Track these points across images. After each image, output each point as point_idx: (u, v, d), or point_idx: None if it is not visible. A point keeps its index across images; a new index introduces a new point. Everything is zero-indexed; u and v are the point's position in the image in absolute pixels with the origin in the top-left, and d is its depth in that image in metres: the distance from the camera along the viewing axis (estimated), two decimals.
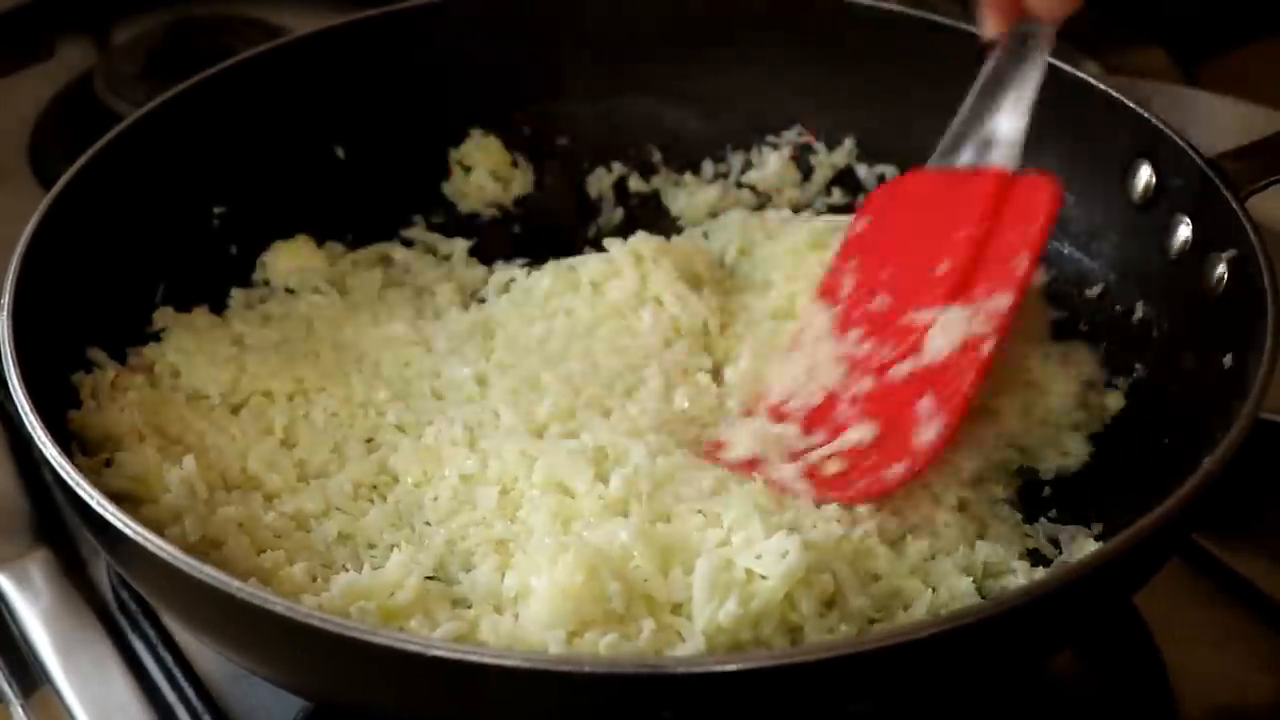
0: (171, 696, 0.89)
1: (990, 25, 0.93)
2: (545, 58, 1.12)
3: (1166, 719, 0.88)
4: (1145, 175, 0.97)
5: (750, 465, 0.90)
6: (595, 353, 0.97)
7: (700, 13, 1.11)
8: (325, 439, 0.94)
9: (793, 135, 1.11)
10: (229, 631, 0.77)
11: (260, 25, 1.33)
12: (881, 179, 1.10)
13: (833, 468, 0.88)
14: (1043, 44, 0.93)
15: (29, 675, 0.91)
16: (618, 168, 1.13)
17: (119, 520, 0.75)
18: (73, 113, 1.30)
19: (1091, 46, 1.09)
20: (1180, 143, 0.94)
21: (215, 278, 1.04)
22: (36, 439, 0.80)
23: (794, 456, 0.90)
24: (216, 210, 1.05)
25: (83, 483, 0.77)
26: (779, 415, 0.93)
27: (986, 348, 0.89)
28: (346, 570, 0.84)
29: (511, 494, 0.88)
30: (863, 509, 0.86)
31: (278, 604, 0.71)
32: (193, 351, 0.97)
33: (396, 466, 0.92)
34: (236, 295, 1.03)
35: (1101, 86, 1.00)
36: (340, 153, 1.10)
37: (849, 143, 1.11)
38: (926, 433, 0.88)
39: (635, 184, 1.13)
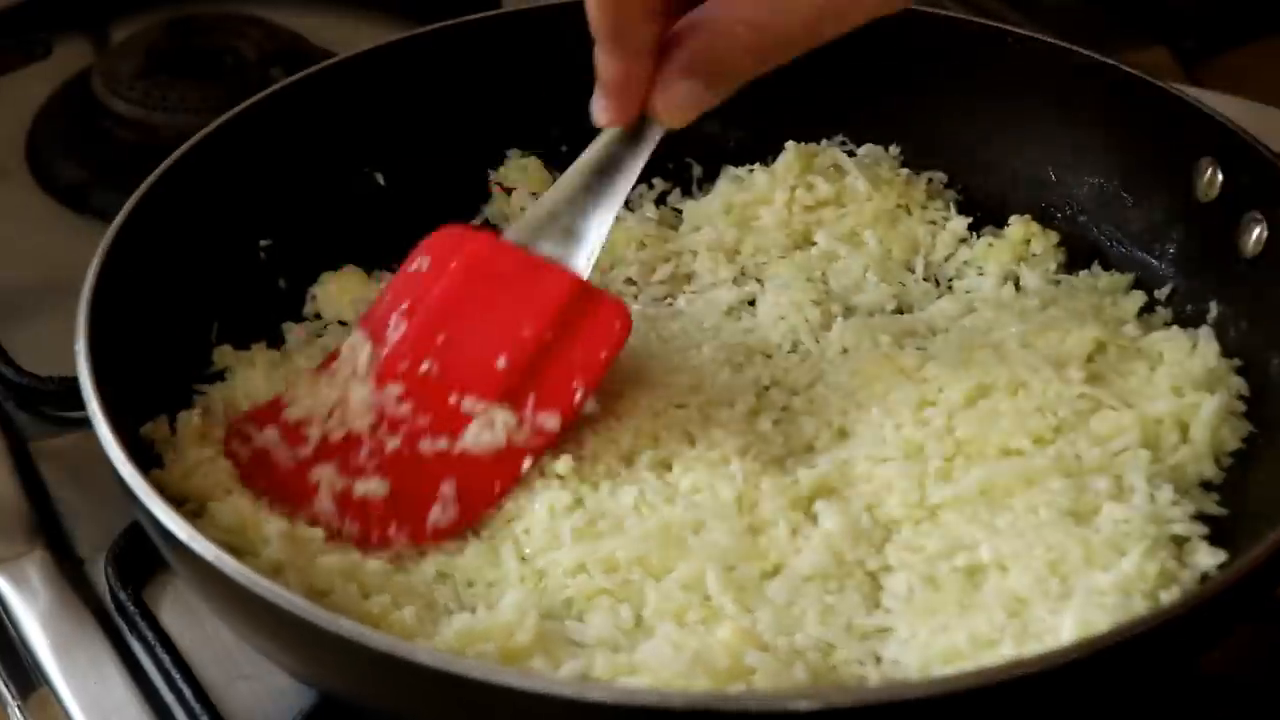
0: (169, 697, 0.88)
1: (607, 114, 0.87)
2: (581, 74, 1.11)
3: None
4: (1209, 173, 0.96)
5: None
6: (654, 370, 0.95)
7: None
8: None
9: (834, 145, 1.10)
10: (366, 684, 0.76)
11: (260, 25, 1.33)
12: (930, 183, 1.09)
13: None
14: (649, 147, 0.90)
15: (26, 676, 0.91)
16: (659, 183, 1.12)
17: (273, 593, 0.74)
18: (70, 112, 1.29)
19: (1094, 45, 1.09)
20: (1248, 139, 0.94)
21: (268, 313, 1.02)
22: (146, 503, 0.78)
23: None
24: (263, 243, 1.03)
25: (227, 559, 0.75)
26: (293, 434, 0.90)
27: (525, 464, 0.88)
28: (451, 611, 0.83)
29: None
30: None
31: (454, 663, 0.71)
32: (261, 392, 0.95)
33: None
34: (292, 329, 1.02)
35: (1160, 84, 0.99)
36: (380, 179, 1.09)
37: (895, 149, 1.10)
38: (437, 515, 0.87)
39: (675, 199, 1.12)
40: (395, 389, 0.90)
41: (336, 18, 1.37)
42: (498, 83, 1.11)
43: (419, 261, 0.94)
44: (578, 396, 0.89)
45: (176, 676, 0.88)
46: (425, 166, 1.10)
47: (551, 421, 0.89)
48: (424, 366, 0.90)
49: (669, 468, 0.89)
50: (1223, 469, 0.90)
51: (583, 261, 0.91)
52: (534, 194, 1.10)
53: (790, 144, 1.08)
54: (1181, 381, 0.92)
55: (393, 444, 0.89)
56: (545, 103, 1.11)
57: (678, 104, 0.85)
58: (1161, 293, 1.00)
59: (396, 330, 0.92)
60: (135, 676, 0.90)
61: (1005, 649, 0.79)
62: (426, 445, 0.89)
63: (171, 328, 0.96)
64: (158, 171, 0.97)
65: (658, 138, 0.89)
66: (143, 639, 0.91)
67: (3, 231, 1.20)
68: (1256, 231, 0.94)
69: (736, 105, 1.10)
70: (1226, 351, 0.94)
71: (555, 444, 0.89)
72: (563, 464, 0.89)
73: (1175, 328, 0.97)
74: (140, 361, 0.91)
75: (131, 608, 0.92)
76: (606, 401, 0.93)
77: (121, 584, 0.93)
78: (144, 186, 0.96)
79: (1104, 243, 1.04)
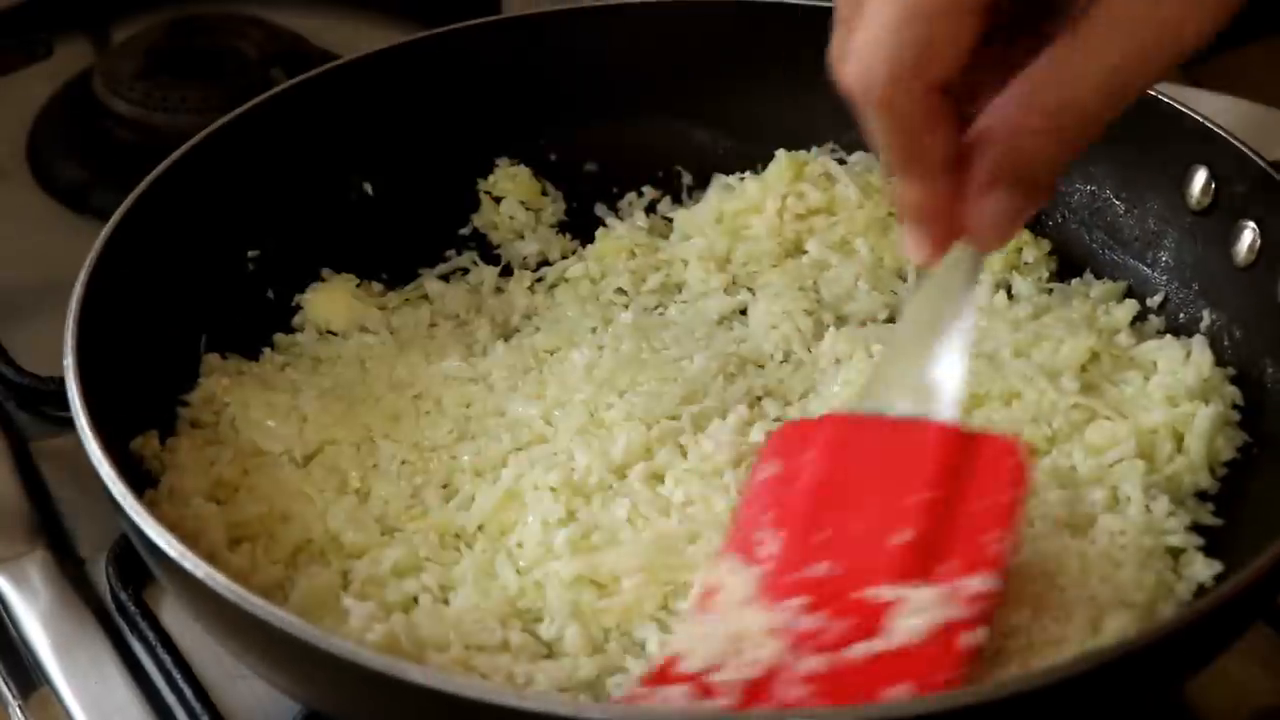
0: (170, 697, 0.89)
1: (923, 250, 0.78)
2: (569, 83, 1.11)
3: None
4: (1202, 180, 0.97)
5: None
6: (648, 381, 0.95)
7: (728, 32, 1.10)
8: (403, 487, 0.91)
9: (825, 153, 1.10)
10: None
11: (261, 26, 1.32)
12: None
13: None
14: (976, 273, 0.81)
15: (27, 676, 0.91)
16: (649, 192, 1.12)
17: (264, 611, 0.73)
18: (71, 112, 1.29)
19: None
20: (1240, 147, 0.94)
21: (257, 324, 1.02)
22: (150, 533, 0.77)
23: None
24: (251, 254, 1.03)
25: (217, 577, 0.75)
26: (704, 689, 0.77)
27: (969, 638, 0.76)
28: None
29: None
30: None
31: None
32: (249, 404, 0.94)
33: (478, 512, 0.89)
34: (281, 340, 1.01)
35: (1153, 92, 0.98)
36: (369, 189, 1.09)
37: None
38: None
39: (666, 208, 1.12)
40: (795, 603, 0.79)
41: (338, 19, 1.37)
42: (484, 91, 1.11)
43: (769, 467, 0.85)
44: (997, 548, 0.79)
45: (177, 676, 0.89)
46: (413, 176, 1.10)
47: (983, 583, 0.77)
48: (816, 569, 0.80)
49: (661, 480, 0.90)
50: (1218, 479, 0.91)
51: (950, 409, 0.82)
52: (523, 203, 1.10)
53: (781, 152, 1.08)
54: (1175, 391, 0.93)
55: (814, 664, 0.77)
56: (532, 110, 1.11)
57: (993, 220, 0.75)
58: (1154, 301, 1.01)
59: (770, 546, 0.82)
60: (136, 676, 0.90)
61: (1002, 663, 0.80)
62: (855, 651, 0.77)
63: (160, 337, 0.96)
64: (147, 180, 0.97)
65: (983, 263, 0.82)
66: (143, 639, 0.91)
67: (3, 231, 1.21)
68: (1249, 240, 0.94)
69: (727, 114, 1.12)
70: (1220, 360, 0.95)
71: (999, 605, 0.79)
72: (554, 476, 0.89)
73: (1168, 337, 0.98)
74: (129, 372, 0.91)
75: (132, 608, 0.92)
76: (597, 414, 0.93)
77: (122, 584, 0.93)
78: (133, 195, 0.95)
79: (1096, 251, 1.04)
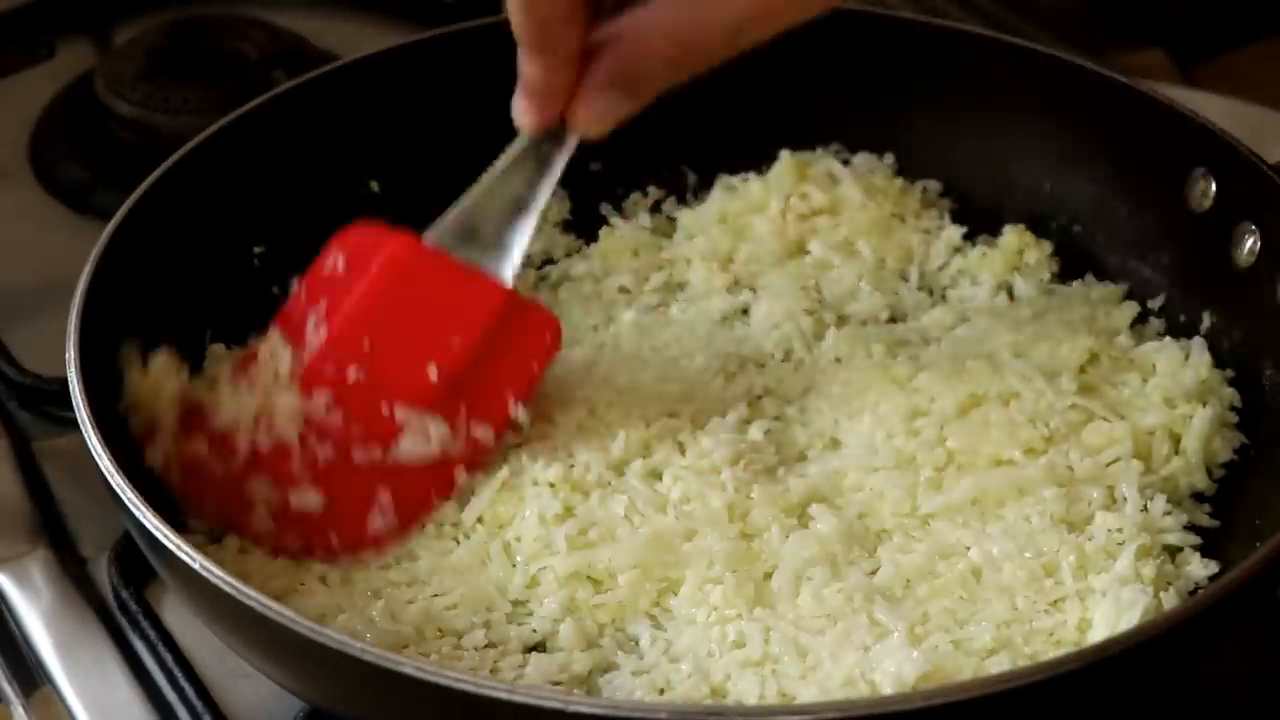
0: (172, 696, 0.89)
1: (528, 117, 0.87)
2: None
3: None
4: (1205, 184, 0.97)
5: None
6: (646, 379, 0.96)
7: None
8: None
9: (829, 154, 1.10)
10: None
11: (263, 27, 1.32)
12: (924, 193, 1.09)
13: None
14: (566, 153, 0.89)
15: (29, 675, 0.91)
16: (654, 191, 1.12)
17: (264, 605, 0.74)
18: (73, 113, 1.29)
19: (1091, 47, 1.09)
20: (1241, 150, 0.94)
21: (259, 323, 0.99)
22: (163, 538, 0.78)
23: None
24: (257, 250, 1.03)
25: (216, 570, 0.75)
26: (218, 443, 0.88)
27: (460, 477, 0.88)
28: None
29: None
30: None
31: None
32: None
33: (477, 506, 0.89)
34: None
35: (1154, 94, 0.99)
36: (375, 186, 1.09)
37: (889, 159, 1.10)
38: (376, 523, 0.86)
39: (670, 207, 1.12)
40: (324, 396, 0.88)
41: (339, 20, 1.37)
42: (500, 88, 1.10)
43: (334, 259, 0.92)
44: (511, 409, 0.89)
45: (179, 675, 0.89)
46: (420, 174, 1.09)
47: (485, 433, 0.88)
48: (351, 373, 0.88)
49: (659, 477, 0.90)
50: (1215, 480, 0.91)
51: (508, 271, 0.91)
52: None
53: (785, 153, 1.09)
54: (1174, 393, 0.93)
55: (324, 453, 0.87)
56: None
57: (597, 115, 0.85)
58: (1155, 303, 1.01)
59: (317, 333, 0.90)
60: (138, 675, 0.90)
61: (996, 658, 0.80)
62: (359, 454, 0.87)
63: (162, 336, 0.95)
64: (148, 181, 0.97)
65: (575, 144, 0.89)
66: (145, 638, 0.92)
67: (5, 232, 1.21)
68: (1249, 242, 0.94)
69: (731, 113, 1.12)
70: (1219, 362, 0.95)
71: (489, 456, 0.89)
72: (553, 472, 0.89)
73: (1168, 338, 0.98)
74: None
75: (134, 607, 0.92)
76: (598, 411, 0.93)
77: (124, 583, 0.93)
78: (134, 196, 0.95)
79: (1098, 253, 1.04)
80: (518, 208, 0.91)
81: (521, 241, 0.91)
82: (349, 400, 0.88)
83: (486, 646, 0.83)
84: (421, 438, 0.87)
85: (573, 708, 0.70)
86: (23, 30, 1.36)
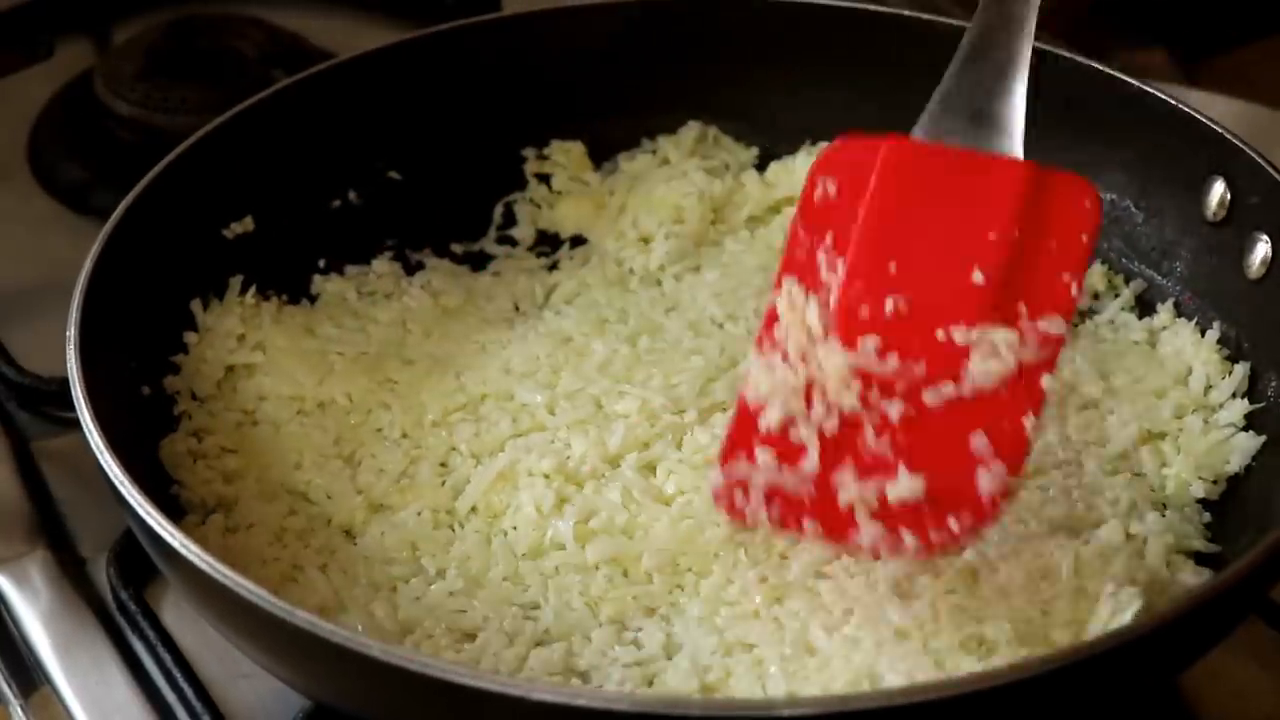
0: (171, 697, 0.89)
1: None
2: (563, 81, 1.11)
3: None
4: (1219, 191, 0.96)
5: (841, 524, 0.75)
6: (654, 374, 0.95)
7: (738, 25, 1.11)
8: (398, 462, 0.92)
9: None
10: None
11: (261, 26, 1.32)
12: None
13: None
14: (1034, 4, 0.81)
15: (28, 675, 0.91)
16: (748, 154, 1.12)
17: (268, 602, 0.74)
18: (72, 113, 1.29)
19: (1091, 47, 1.09)
20: (1256, 158, 0.93)
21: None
22: (165, 534, 0.78)
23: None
24: (253, 245, 1.03)
25: (220, 567, 0.75)
26: (768, 442, 0.76)
27: (1045, 380, 0.75)
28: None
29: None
30: None
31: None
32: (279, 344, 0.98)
33: (471, 495, 0.90)
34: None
35: (1171, 100, 0.98)
36: (377, 185, 1.09)
37: None
38: (986, 481, 0.74)
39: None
40: (870, 341, 0.76)
41: (338, 19, 1.37)
42: (495, 88, 1.11)
43: (822, 185, 0.81)
44: (1071, 290, 0.77)
45: (178, 675, 0.89)
46: (420, 170, 1.10)
47: (1055, 324, 0.77)
48: (890, 305, 0.77)
49: (653, 471, 0.90)
50: (1216, 485, 0.91)
51: (1017, 143, 0.80)
52: (573, 178, 1.11)
53: (807, 146, 1.09)
54: (1179, 399, 0.93)
55: (895, 411, 0.75)
56: (544, 108, 1.11)
57: None
58: (1165, 309, 1.00)
59: (833, 272, 0.78)
60: (137, 676, 0.90)
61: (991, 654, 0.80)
62: (931, 398, 0.75)
63: (161, 336, 0.97)
64: (146, 179, 0.97)
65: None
66: (144, 638, 0.91)
67: (4, 232, 1.21)
68: (1262, 252, 0.93)
69: (745, 109, 1.11)
70: (1226, 371, 0.95)
71: (1060, 348, 0.77)
72: (548, 463, 0.89)
73: (1175, 344, 0.97)
74: (130, 371, 0.92)
75: (133, 607, 0.92)
76: (605, 405, 0.93)
77: (123, 583, 0.93)
78: (132, 194, 0.95)
79: (1113, 258, 1.03)
80: (1000, 74, 0.81)
81: (1019, 107, 0.80)
82: (897, 337, 0.76)
83: (488, 639, 0.83)
84: (991, 354, 0.76)
85: (575, 701, 0.70)
86: (22, 30, 1.36)
